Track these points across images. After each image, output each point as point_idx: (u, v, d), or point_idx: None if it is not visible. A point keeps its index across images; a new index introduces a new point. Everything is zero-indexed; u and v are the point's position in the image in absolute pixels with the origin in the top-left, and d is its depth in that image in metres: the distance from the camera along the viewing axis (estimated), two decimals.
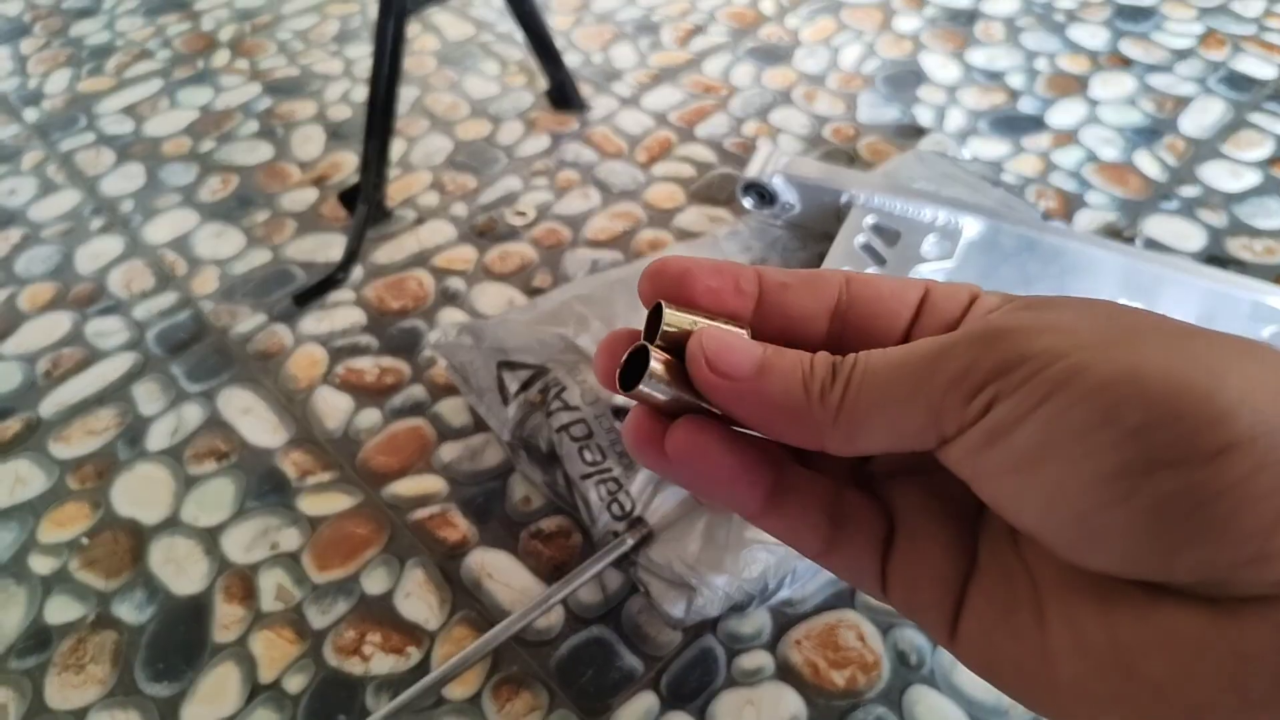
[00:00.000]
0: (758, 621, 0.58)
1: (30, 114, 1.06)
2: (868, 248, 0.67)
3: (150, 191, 0.94)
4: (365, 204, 0.84)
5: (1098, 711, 0.19)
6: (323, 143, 0.99)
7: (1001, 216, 0.69)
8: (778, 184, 0.72)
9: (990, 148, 0.91)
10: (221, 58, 1.13)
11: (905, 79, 1.01)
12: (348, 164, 0.96)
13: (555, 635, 0.59)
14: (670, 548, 0.58)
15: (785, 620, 0.59)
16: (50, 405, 0.74)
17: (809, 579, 0.59)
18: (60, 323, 0.81)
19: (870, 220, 0.69)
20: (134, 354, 0.78)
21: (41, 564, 0.64)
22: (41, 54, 1.16)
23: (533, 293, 0.80)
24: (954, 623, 0.22)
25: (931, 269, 0.66)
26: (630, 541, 0.58)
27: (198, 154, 0.99)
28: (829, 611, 0.59)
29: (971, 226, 0.68)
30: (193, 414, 0.73)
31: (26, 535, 0.66)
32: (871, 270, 0.65)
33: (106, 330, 0.80)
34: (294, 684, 0.57)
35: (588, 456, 0.62)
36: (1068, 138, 0.92)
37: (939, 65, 1.02)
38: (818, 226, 0.74)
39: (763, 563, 0.56)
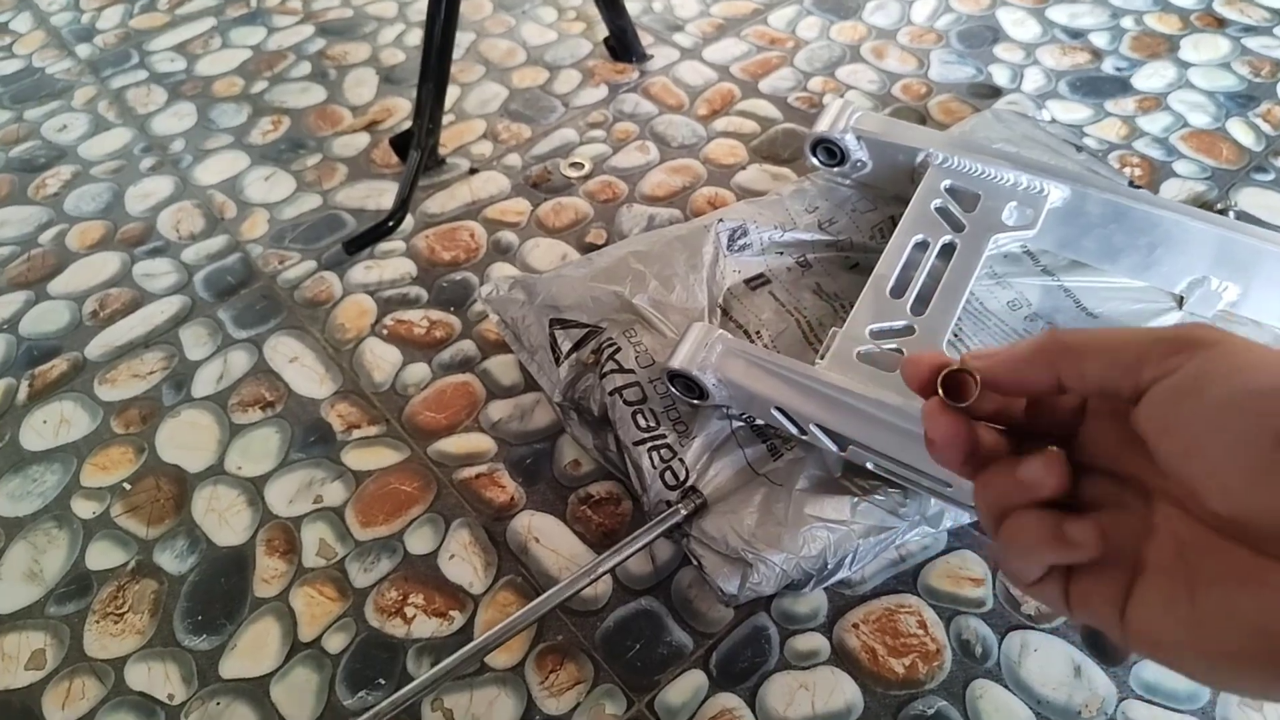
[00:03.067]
0: (814, 602, 0.56)
1: (83, 50, 1.05)
2: (944, 211, 0.63)
3: (201, 131, 0.93)
4: (418, 151, 0.81)
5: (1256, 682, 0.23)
6: (375, 87, 0.96)
7: (1087, 183, 0.64)
8: (849, 141, 0.69)
9: (1070, 111, 0.86)
10: None
11: (981, 35, 0.95)
12: (400, 109, 0.93)
13: (602, 605, 0.57)
14: (725, 520, 0.55)
15: (843, 602, 0.56)
16: (97, 346, 0.73)
17: (869, 559, 0.56)
18: (109, 262, 0.80)
19: (947, 182, 0.65)
20: (182, 297, 0.77)
21: (84, 508, 0.63)
22: None
23: (587, 249, 0.77)
24: (1122, 615, 0.26)
25: (1011, 237, 0.63)
26: (683, 511, 0.56)
27: (249, 95, 0.97)
28: (889, 595, 0.56)
29: (1056, 192, 0.64)
30: (239, 361, 0.71)
31: (70, 478, 0.65)
32: (947, 238, 0.61)
33: (155, 272, 0.79)
34: (334, 643, 0.56)
35: (641, 421, 0.59)
36: (1155, 102, 0.86)
37: (1017, 22, 0.97)
38: (889, 187, 0.70)
39: (822, 541, 0.54)
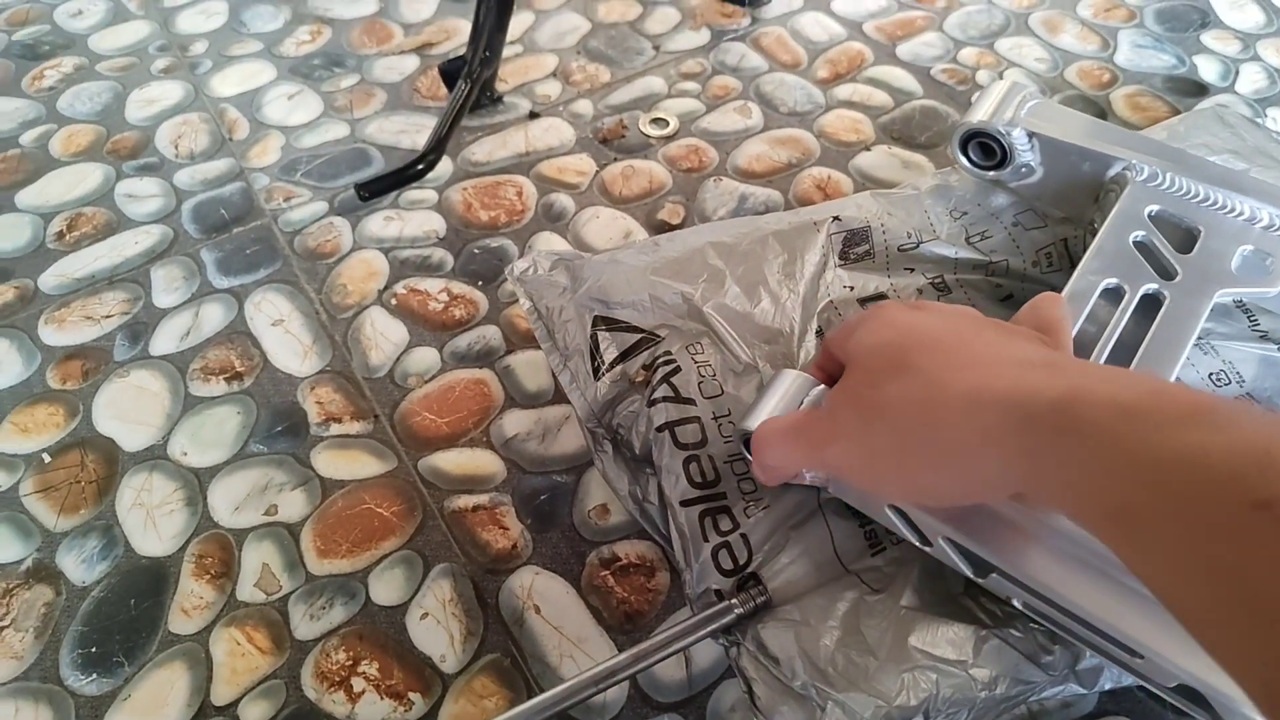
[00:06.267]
0: None
1: None
2: (1147, 248, 0.46)
3: (228, 34, 0.79)
4: (468, 82, 0.66)
5: None
6: (436, 3, 0.81)
7: None
8: (1018, 138, 0.51)
9: None
10: None
11: (1185, 17, 0.76)
12: (461, 33, 0.78)
13: (610, 718, 0.42)
14: (794, 634, 0.40)
15: None
16: (53, 276, 0.60)
17: (987, 716, 0.40)
18: (91, 175, 0.67)
19: (1153, 208, 0.47)
20: (163, 227, 0.63)
21: None
22: None
23: (659, 228, 0.62)
24: None
25: (1241, 293, 0.45)
26: (738, 611, 0.40)
27: None
28: None
29: None
30: (213, 315, 0.58)
31: None
32: (1150, 287, 0.44)
33: (140, 193, 0.66)
34: (254, 714, 0.42)
35: (695, 473, 0.44)
36: None
37: (1234, 4, 0.77)
38: (1061, 205, 0.53)
39: (928, 688, 0.38)
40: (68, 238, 0.63)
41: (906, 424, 0.31)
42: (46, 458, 0.51)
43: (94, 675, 0.43)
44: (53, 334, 0.57)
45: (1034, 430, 0.27)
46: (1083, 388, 0.27)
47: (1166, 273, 0.45)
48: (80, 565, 0.47)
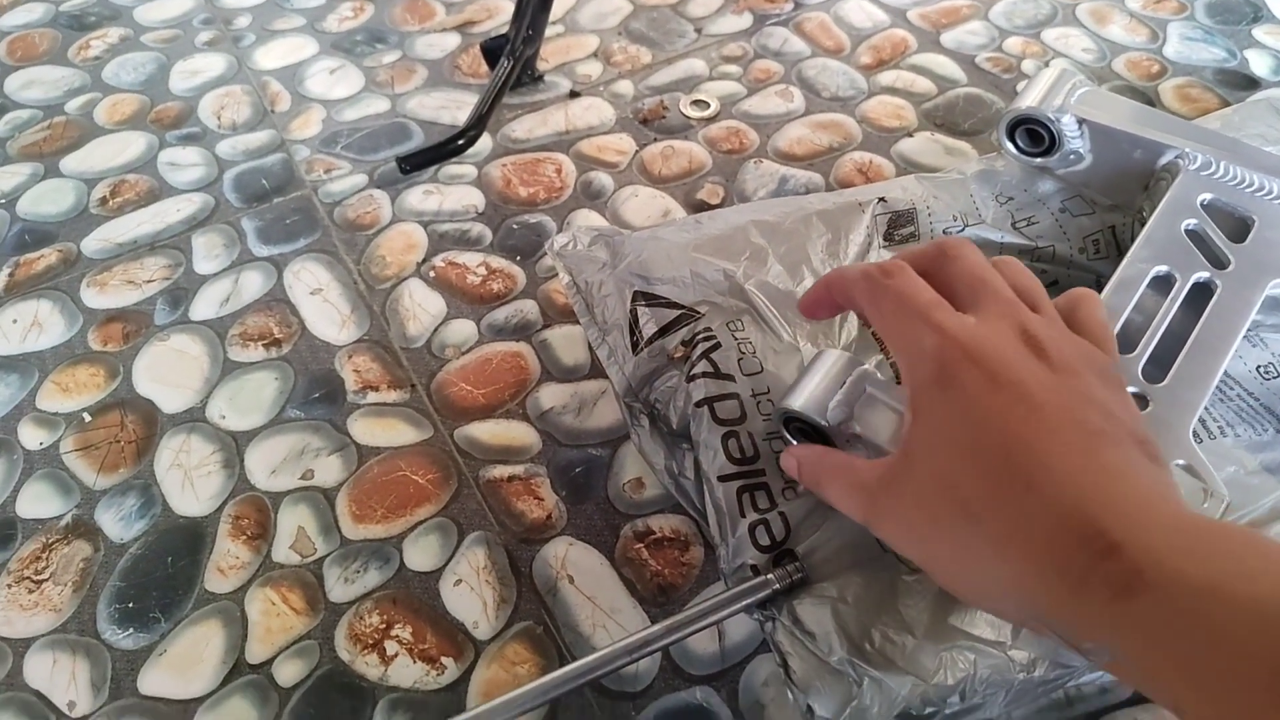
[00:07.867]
0: None
1: None
2: (1199, 236, 0.45)
3: (271, 9, 0.79)
4: (510, 59, 0.66)
5: None
6: None
7: None
8: (1067, 125, 0.51)
9: None
10: None
11: (1237, 10, 0.75)
12: (503, 11, 0.78)
13: (642, 689, 0.42)
14: (830, 610, 0.39)
15: None
16: (96, 240, 0.61)
17: (1024, 698, 0.40)
18: (134, 143, 0.68)
19: (1205, 196, 0.47)
20: (205, 195, 0.64)
21: (32, 435, 0.51)
22: None
23: (697, 208, 0.61)
24: None
25: None
26: (775, 586, 0.40)
27: None
28: None
29: None
30: (252, 282, 0.58)
31: (25, 394, 0.53)
32: (1202, 275, 0.43)
33: (182, 161, 0.66)
34: (287, 672, 0.42)
35: (734, 449, 0.43)
36: None
37: None
38: (1110, 193, 0.52)
39: (966, 668, 0.37)
40: (111, 204, 0.63)
41: (967, 555, 0.32)
42: (87, 417, 0.52)
43: (131, 630, 0.44)
44: (94, 297, 0.58)
45: (1087, 590, 0.27)
46: (1149, 556, 0.26)
47: (1219, 261, 0.44)
48: (119, 523, 0.48)
